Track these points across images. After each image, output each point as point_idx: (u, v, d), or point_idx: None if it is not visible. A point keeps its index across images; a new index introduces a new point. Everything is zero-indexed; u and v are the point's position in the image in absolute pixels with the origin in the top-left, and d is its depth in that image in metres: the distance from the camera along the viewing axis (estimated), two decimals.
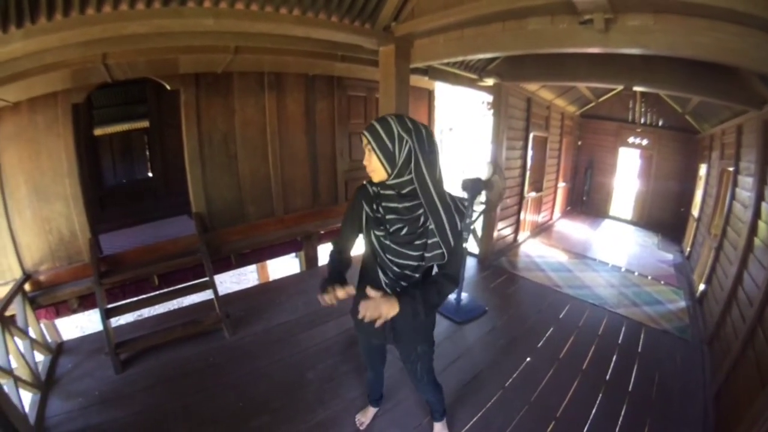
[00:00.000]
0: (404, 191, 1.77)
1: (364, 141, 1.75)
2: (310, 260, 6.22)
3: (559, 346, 4.26)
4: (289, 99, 5.42)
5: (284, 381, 3.41)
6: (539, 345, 4.26)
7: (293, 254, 6.35)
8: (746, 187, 4.45)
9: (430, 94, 7.73)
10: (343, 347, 3.89)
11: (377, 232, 1.87)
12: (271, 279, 7.81)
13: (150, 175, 7.83)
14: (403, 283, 1.93)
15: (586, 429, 3.17)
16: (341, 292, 1.73)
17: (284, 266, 9.06)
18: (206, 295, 4.28)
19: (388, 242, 1.86)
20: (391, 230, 1.84)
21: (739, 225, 4.41)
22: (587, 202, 11.76)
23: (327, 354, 3.76)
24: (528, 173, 7.48)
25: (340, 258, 2.03)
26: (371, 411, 3.06)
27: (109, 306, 3.86)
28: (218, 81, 4.71)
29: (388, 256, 1.89)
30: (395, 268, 1.90)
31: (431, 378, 2.49)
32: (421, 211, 1.81)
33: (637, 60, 4.31)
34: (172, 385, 3.41)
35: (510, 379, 3.63)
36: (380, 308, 1.69)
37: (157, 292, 4.38)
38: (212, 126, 4.79)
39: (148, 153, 7.73)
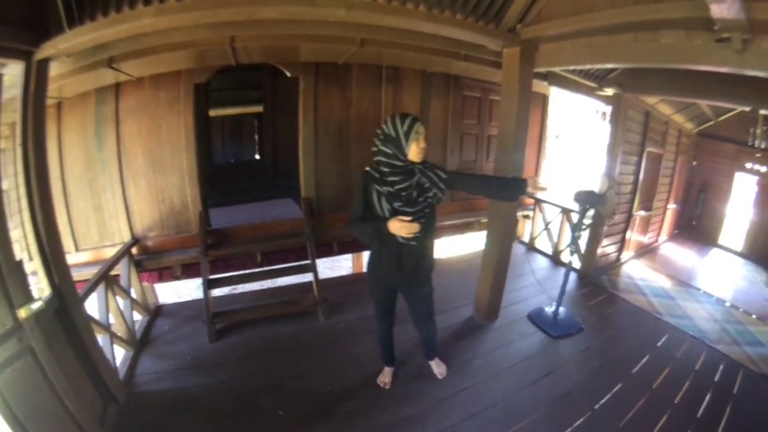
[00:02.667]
0: (406, 170, 2.47)
1: (424, 129, 2.47)
2: None
3: (654, 375, 4.06)
4: (405, 94, 5.46)
5: (374, 372, 3.47)
6: (634, 371, 4.08)
7: None
8: None
9: (544, 99, 7.56)
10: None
11: (396, 204, 2.49)
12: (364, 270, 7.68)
13: (257, 157, 8.24)
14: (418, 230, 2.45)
15: None
16: (406, 219, 2.40)
17: None
18: (304, 277, 4.46)
19: (404, 208, 2.48)
20: (405, 200, 2.49)
21: None
22: (696, 227, 10.90)
23: (417, 352, 3.76)
24: (639, 190, 7.13)
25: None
26: (388, 371, 3.45)
27: (212, 277, 4.11)
28: (337, 71, 4.82)
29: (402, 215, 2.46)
30: None
31: (433, 316, 3.17)
32: (416, 176, 2.54)
33: (766, 82, 4.01)
34: (263, 360, 3.58)
35: (600, 402, 3.51)
36: (412, 225, 2.38)
37: (260, 269, 4.58)
38: (328, 115, 4.91)
39: (257, 137, 8.14)
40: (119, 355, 3.39)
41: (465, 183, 2.81)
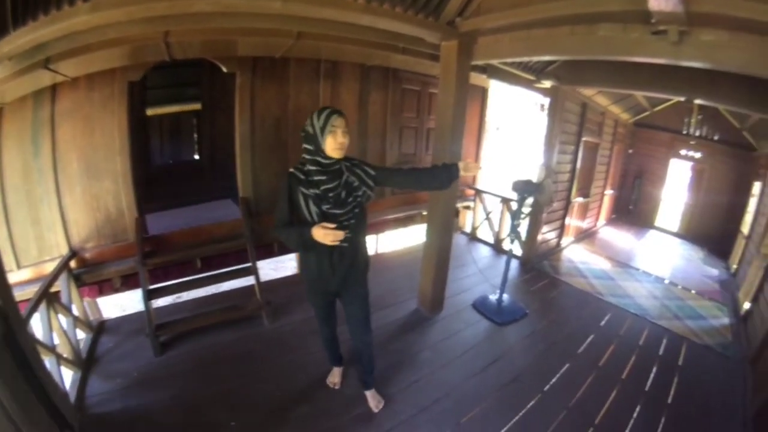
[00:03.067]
0: (332, 169, 2.34)
1: (344, 122, 2.32)
2: None
3: (599, 353, 4.23)
4: (343, 88, 5.39)
5: (323, 373, 3.42)
6: (579, 351, 4.23)
7: None
8: None
9: (484, 92, 7.64)
10: (382, 341, 3.88)
11: (324, 207, 2.34)
12: None
13: (197, 157, 7.97)
14: (346, 232, 2.33)
15: None
16: (330, 226, 2.25)
17: None
18: (246, 281, 4.34)
19: (332, 210, 2.35)
20: (333, 201, 2.35)
21: None
22: (633, 211, 11.54)
23: None
24: (576, 178, 7.38)
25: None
26: (337, 371, 3.38)
27: (152, 287, 3.91)
28: (275, 66, 4.69)
29: (330, 220, 2.32)
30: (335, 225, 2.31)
31: (369, 321, 2.91)
32: (345, 175, 2.40)
33: (701, 73, 4.16)
34: (211, 371, 3.46)
35: (549, 383, 3.62)
36: (336, 233, 2.23)
37: (200, 276, 4.39)
38: (265, 111, 4.77)
39: (196, 135, 7.88)
40: (67, 377, 3.21)
41: (394, 178, 2.70)
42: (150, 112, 7.03)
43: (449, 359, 3.79)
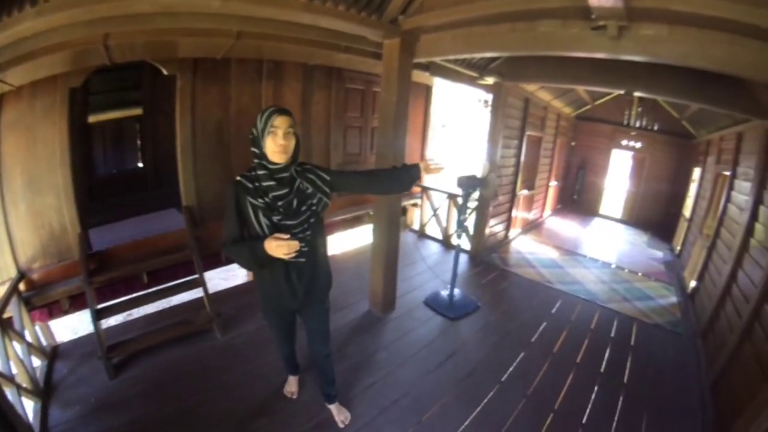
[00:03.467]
0: (281, 175, 2.11)
1: (287, 123, 2.05)
2: None
3: (553, 340, 4.34)
4: (286, 88, 5.28)
5: (281, 383, 3.33)
6: (533, 339, 4.32)
7: None
8: (743, 191, 4.63)
9: (428, 90, 7.70)
10: (337, 345, 3.79)
11: (275, 218, 2.11)
12: None
13: (140, 165, 7.65)
14: (302, 246, 2.14)
15: (584, 420, 3.23)
16: (283, 237, 2.02)
17: None
18: (197, 293, 4.17)
19: (284, 222, 2.13)
20: (284, 211, 2.13)
21: (735, 226, 4.59)
22: (578, 200, 12.04)
23: None
24: (521, 172, 7.56)
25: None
26: (293, 380, 3.27)
27: (99, 306, 3.69)
28: (216, 67, 4.55)
29: (283, 232, 2.09)
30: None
31: (329, 335, 2.76)
32: (298, 182, 2.19)
33: (640, 66, 4.30)
34: (167, 390, 3.33)
35: (506, 373, 3.67)
36: (291, 243, 1.98)
37: (147, 291, 4.20)
38: (207, 114, 4.61)
39: (139, 142, 7.56)
40: (28, 407, 3.02)
41: (352, 182, 2.47)
42: (93, 119, 6.69)
43: (405, 358, 3.77)
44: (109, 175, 7.24)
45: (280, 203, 2.12)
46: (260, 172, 2.10)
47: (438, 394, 3.31)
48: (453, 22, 3.36)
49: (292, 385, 3.26)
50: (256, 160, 2.11)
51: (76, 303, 4.01)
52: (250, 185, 2.11)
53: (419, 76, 5.94)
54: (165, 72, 4.21)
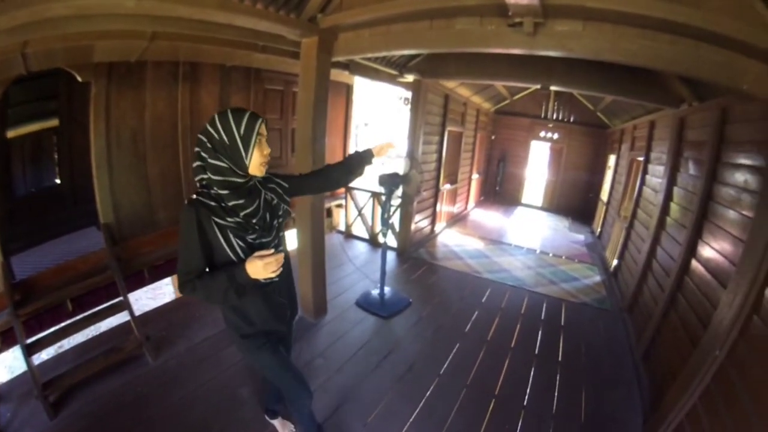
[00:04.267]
0: (248, 187, 1.84)
1: (263, 131, 1.82)
2: None
3: (486, 328, 4.45)
4: (203, 91, 5.06)
5: (219, 402, 3.20)
6: (467, 330, 4.41)
7: None
8: (657, 174, 5.01)
9: (348, 89, 7.69)
10: None
11: (250, 237, 1.84)
12: None
13: (57, 181, 7.13)
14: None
15: (525, 402, 3.34)
16: (266, 253, 1.76)
17: None
18: (125, 316, 3.93)
19: (262, 240, 1.89)
20: (260, 227, 1.88)
21: (650, 207, 4.98)
22: (500, 192, 12.52)
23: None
24: (443, 166, 7.69)
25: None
26: (288, 424, 2.97)
27: (29, 341, 3.41)
28: (131, 72, 4.29)
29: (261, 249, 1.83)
30: None
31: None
32: (263, 192, 1.94)
33: (556, 61, 4.49)
34: (109, 423, 3.10)
35: (444, 366, 3.71)
36: (276, 257, 1.75)
37: (73, 320, 3.86)
38: (121, 123, 4.34)
39: (56, 156, 7.03)
40: None
41: (308, 184, 2.33)
42: (11, 134, 6.16)
43: (342, 362, 3.72)
44: (29, 195, 6.71)
45: (254, 220, 1.85)
46: (223, 192, 1.76)
47: (380, 395, 3.29)
48: (372, 20, 3.34)
49: (287, 427, 2.95)
50: (215, 176, 1.74)
51: (6, 339, 3.62)
52: (213, 203, 1.76)
53: (339, 75, 5.92)
54: (80, 78, 3.94)
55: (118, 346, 3.75)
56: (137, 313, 3.98)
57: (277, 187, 2.05)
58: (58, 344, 3.84)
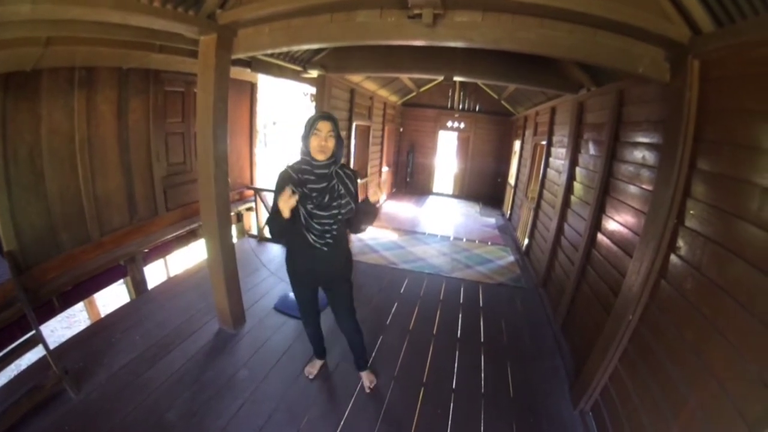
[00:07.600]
0: (320, 171, 2.47)
1: (329, 127, 2.44)
2: (138, 285, 5.39)
3: (407, 318, 4.54)
4: (100, 98, 4.67)
5: (147, 430, 2.99)
6: (388, 322, 4.48)
7: (120, 281, 5.38)
8: (559, 156, 5.34)
9: (252, 87, 7.50)
10: (195, 375, 3.51)
11: (308, 206, 2.49)
12: (102, 315, 6.48)
13: None
14: (327, 237, 2.59)
15: (454, 384, 3.45)
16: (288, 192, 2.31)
17: (113, 297, 7.43)
18: (41, 350, 3.60)
19: (315, 211, 2.51)
20: (317, 202, 2.50)
21: (555, 187, 5.28)
22: (411, 182, 12.83)
23: (181, 386, 3.36)
24: (352, 161, 7.72)
25: None
26: (318, 363, 3.58)
27: None
28: (27, 82, 3.91)
29: (315, 220, 2.53)
30: (318, 227, 2.55)
31: (354, 313, 3.16)
32: (334, 181, 2.54)
33: (459, 52, 4.63)
34: None
35: (369, 361, 3.69)
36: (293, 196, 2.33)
37: None
38: (17, 138, 3.93)
39: None
40: None
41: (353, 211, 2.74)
42: None
43: (267, 370, 3.60)
44: None
45: (314, 194, 2.50)
46: (304, 166, 2.49)
47: (309, 399, 3.25)
48: (272, 14, 3.27)
49: (314, 367, 3.55)
50: (302, 155, 2.50)
51: None
52: (294, 175, 2.52)
53: (241, 73, 5.78)
54: None
55: (39, 384, 3.39)
56: (54, 345, 3.64)
57: (352, 186, 2.64)
58: None
